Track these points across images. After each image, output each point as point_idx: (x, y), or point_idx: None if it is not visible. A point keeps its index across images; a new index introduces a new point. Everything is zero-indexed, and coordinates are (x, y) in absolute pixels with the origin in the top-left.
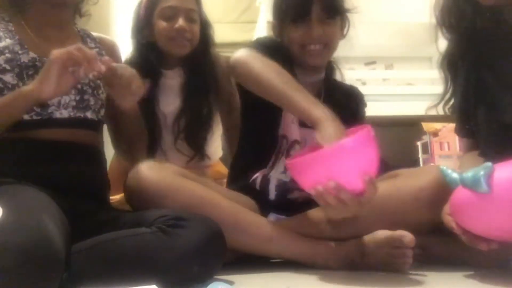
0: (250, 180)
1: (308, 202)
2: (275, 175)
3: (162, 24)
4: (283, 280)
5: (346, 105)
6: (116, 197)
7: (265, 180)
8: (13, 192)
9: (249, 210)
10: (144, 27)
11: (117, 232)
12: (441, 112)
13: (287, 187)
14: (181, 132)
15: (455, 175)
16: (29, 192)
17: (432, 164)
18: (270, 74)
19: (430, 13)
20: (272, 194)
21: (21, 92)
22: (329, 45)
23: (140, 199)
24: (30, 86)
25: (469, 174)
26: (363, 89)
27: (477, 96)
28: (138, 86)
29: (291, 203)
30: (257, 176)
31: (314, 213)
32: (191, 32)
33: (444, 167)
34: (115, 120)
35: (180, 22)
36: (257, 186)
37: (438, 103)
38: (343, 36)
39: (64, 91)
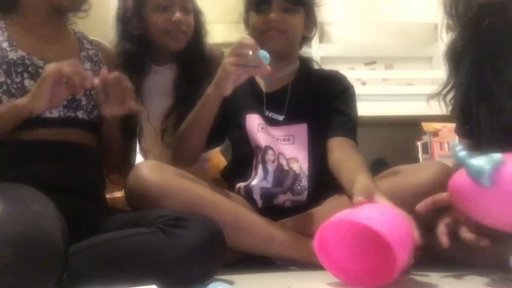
0: (235, 192)
1: (296, 206)
2: (257, 184)
3: (156, 16)
4: (283, 280)
5: (321, 88)
6: (118, 195)
7: (248, 190)
8: (9, 188)
9: (249, 210)
10: (132, 18)
11: (117, 232)
12: (442, 105)
13: (271, 192)
14: (170, 127)
15: (462, 155)
16: (25, 188)
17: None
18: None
19: (430, 13)
20: (259, 202)
21: (15, 106)
22: (287, 33)
23: (140, 199)
24: (23, 100)
25: (475, 163)
26: (363, 89)
27: (478, 95)
28: (129, 100)
29: (279, 208)
30: (239, 186)
31: (314, 213)
32: (187, 24)
33: (456, 144)
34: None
35: (177, 14)
36: (242, 195)
37: (439, 93)
38: (309, 32)
39: (56, 104)
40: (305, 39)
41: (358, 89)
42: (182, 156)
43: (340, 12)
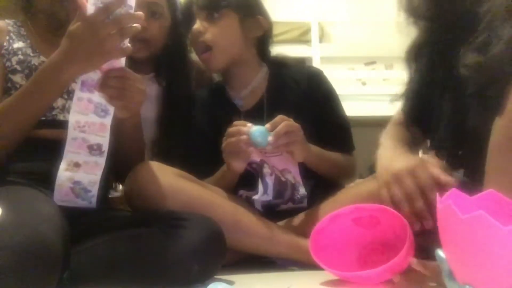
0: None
1: (297, 210)
2: (258, 198)
3: None
4: (283, 280)
5: (300, 92)
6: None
7: (250, 201)
8: (13, 192)
9: (249, 211)
10: None
11: (117, 232)
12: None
13: (272, 203)
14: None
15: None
16: (29, 192)
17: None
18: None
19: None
20: (260, 210)
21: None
22: (216, 45)
23: (140, 199)
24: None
25: None
26: (363, 89)
27: (442, 91)
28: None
29: (280, 212)
30: (241, 194)
31: (313, 213)
32: (149, 30)
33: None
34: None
35: None
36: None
37: (403, 94)
38: (258, 32)
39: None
40: (264, 40)
41: (358, 89)
42: None
43: (340, 12)
